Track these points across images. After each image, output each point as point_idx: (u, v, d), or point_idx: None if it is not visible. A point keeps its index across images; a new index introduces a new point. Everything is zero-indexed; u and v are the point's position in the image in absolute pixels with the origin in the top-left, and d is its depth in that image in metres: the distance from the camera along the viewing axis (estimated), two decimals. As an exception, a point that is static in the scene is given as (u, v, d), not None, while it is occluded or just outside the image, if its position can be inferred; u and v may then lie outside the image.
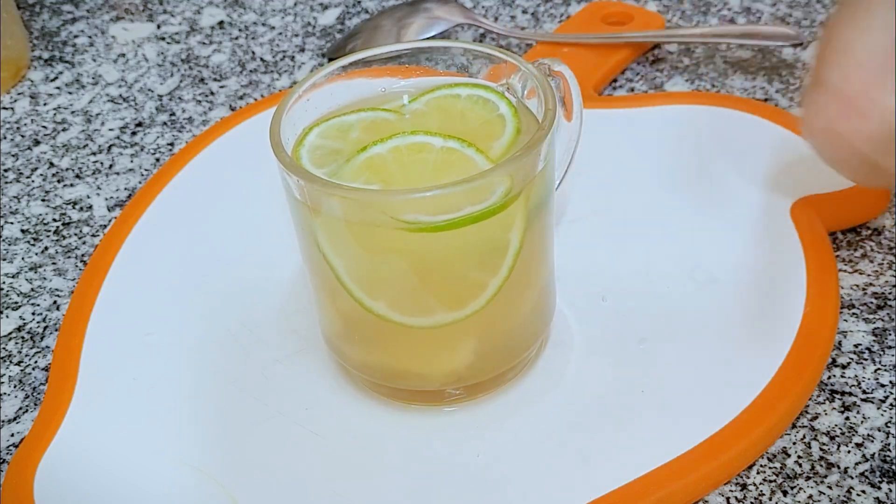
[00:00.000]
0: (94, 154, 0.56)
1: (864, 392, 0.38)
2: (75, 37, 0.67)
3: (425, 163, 0.33)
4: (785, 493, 0.35)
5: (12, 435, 0.39)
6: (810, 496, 0.35)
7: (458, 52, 0.37)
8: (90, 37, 0.67)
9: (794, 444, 0.36)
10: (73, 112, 0.59)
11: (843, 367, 0.39)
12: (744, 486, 0.35)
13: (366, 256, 0.33)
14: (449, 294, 0.34)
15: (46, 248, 0.49)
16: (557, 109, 0.37)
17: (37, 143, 0.57)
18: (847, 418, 0.37)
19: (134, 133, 0.57)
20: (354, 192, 0.31)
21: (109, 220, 0.51)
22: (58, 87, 0.62)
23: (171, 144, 0.56)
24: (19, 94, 0.61)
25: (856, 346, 0.40)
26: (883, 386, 0.38)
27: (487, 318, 0.35)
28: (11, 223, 0.51)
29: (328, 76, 0.36)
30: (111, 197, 0.52)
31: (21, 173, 0.55)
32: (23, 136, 0.58)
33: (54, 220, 0.51)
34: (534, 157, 0.32)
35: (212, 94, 0.60)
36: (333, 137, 0.35)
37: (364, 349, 0.37)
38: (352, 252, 0.33)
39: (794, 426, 0.37)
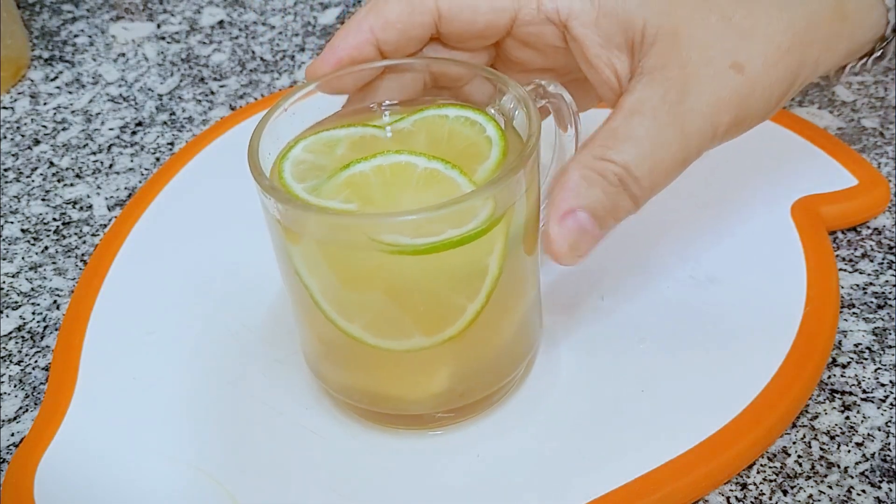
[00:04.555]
0: (94, 154, 0.56)
1: (864, 391, 0.38)
2: (75, 36, 0.67)
3: (407, 183, 0.32)
4: (785, 493, 0.35)
5: (12, 435, 0.39)
6: (810, 496, 0.35)
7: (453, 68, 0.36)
8: (90, 36, 0.67)
9: (795, 443, 0.36)
10: (73, 112, 0.59)
11: (844, 366, 0.39)
12: (744, 486, 0.35)
13: (341, 277, 0.33)
14: (425, 318, 0.33)
15: (46, 248, 0.49)
16: (554, 125, 0.37)
17: (37, 142, 0.57)
18: (847, 418, 0.37)
19: (134, 133, 0.57)
20: (333, 215, 0.31)
21: (109, 220, 0.51)
22: (58, 87, 0.62)
23: (171, 144, 0.56)
24: (19, 93, 0.61)
25: (856, 345, 0.40)
26: (883, 385, 0.38)
27: (465, 344, 0.34)
28: (11, 223, 0.51)
29: (308, 92, 0.35)
30: (111, 196, 0.52)
31: (21, 173, 0.55)
32: (23, 136, 0.58)
33: (54, 219, 0.51)
34: (514, 183, 0.31)
35: (212, 93, 0.60)
36: (319, 152, 0.34)
37: (342, 371, 0.36)
38: (327, 272, 0.33)
39: (794, 426, 0.37)
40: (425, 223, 0.30)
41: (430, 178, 0.32)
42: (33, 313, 0.45)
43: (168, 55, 0.64)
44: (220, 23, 0.67)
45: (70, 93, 0.61)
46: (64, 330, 0.42)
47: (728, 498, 0.35)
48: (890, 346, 0.40)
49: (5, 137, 0.58)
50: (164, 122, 0.58)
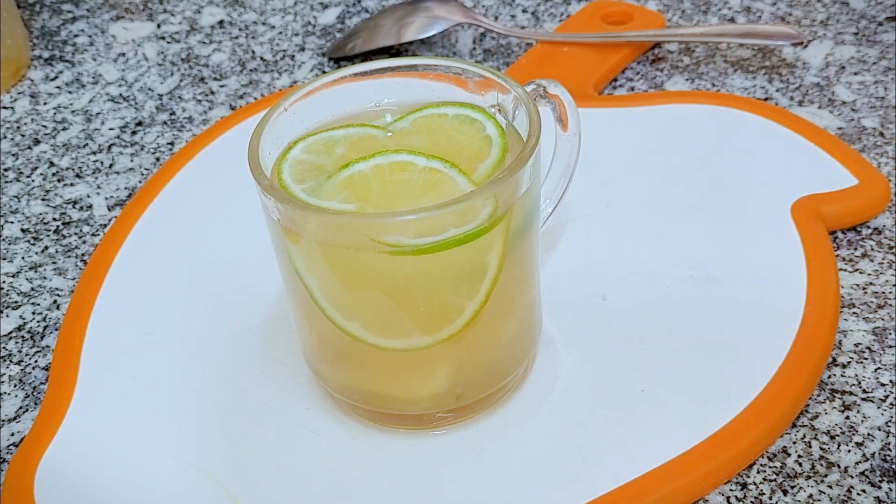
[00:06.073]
0: (94, 153, 0.56)
1: (864, 391, 0.38)
2: (75, 36, 0.67)
3: (406, 183, 0.32)
4: (785, 493, 0.35)
5: (12, 434, 0.39)
6: (810, 495, 0.35)
7: (453, 70, 0.36)
8: (90, 36, 0.67)
9: (795, 443, 0.36)
10: (73, 111, 0.59)
11: (844, 366, 0.39)
12: (744, 486, 0.35)
13: (341, 276, 0.33)
14: (424, 317, 0.33)
15: (46, 248, 0.49)
16: (554, 124, 0.36)
17: (37, 142, 0.57)
18: (847, 417, 0.37)
19: (134, 132, 0.57)
20: (334, 215, 0.31)
21: (109, 220, 0.51)
22: (58, 87, 0.62)
23: (172, 144, 0.56)
24: (19, 93, 0.61)
25: (856, 345, 0.40)
26: (883, 385, 0.38)
27: (465, 343, 0.34)
28: (11, 223, 0.51)
29: (308, 92, 0.35)
30: (111, 196, 0.52)
31: (21, 173, 0.55)
32: (23, 136, 0.58)
33: (54, 219, 0.51)
34: (514, 182, 0.31)
35: (212, 93, 0.60)
36: (318, 153, 0.34)
37: (342, 371, 0.36)
38: (327, 272, 0.33)
39: (794, 425, 0.37)
40: (426, 223, 0.30)
41: (429, 177, 0.32)
42: (33, 313, 0.45)
43: (168, 55, 0.64)
44: (220, 23, 0.67)
45: (70, 93, 0.61)
46: (64, 330, 0.42)
47: (728, 498, 0.35)
48: (890, 346, 0.40)
49: (5, 137, 0.58)
50: (164, 122, 0.58)
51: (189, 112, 0.58)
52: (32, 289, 0.47)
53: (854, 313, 0.41)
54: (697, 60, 0.58)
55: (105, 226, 0.50)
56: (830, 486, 0.35)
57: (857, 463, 0.35)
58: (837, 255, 0.44)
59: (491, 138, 0.34)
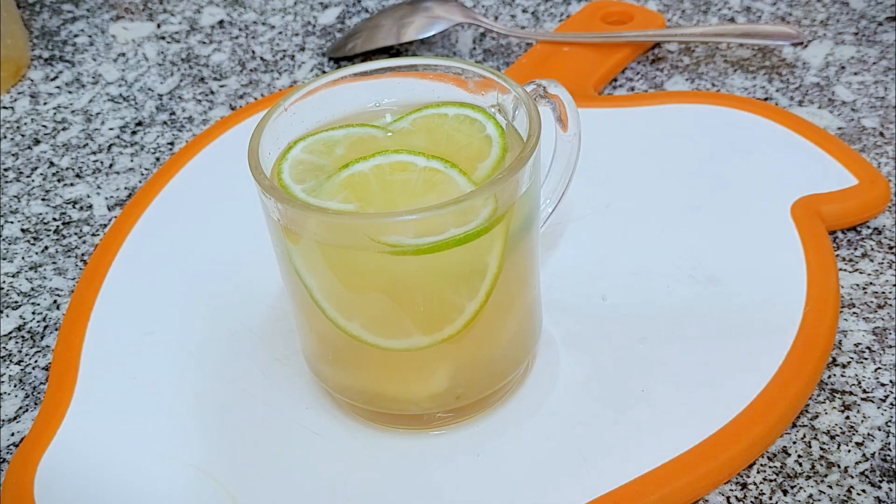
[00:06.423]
0: (94, 153, 0.56)
1: (864, 391, 0.38)
2: (75, 36, 0.67)
3: (406, 183, 0.32)
4: (785, 493, 0.35)
5: (12, 434, 0.40)
6: (810, 495, 0.35)
7: (453, 70, 0.36)
8: (90, 36, 0.67)
9: (795, 443, 0.36)
10: (73, 111, 0.59)
11: (844, 366, 0.39)
12: (744, 486, 0.35)
13: (341, 276, 0.33)
14: (424, 317, 0.33)
15: (46, 248, 0.49)
16: (554, 124, 0.36)
17: (37, 142, 0.57)
18: (847, 417, 0.37)
19: (134, 132, 0.57)
20: (334, 215, 0.31)
21: (109, 220, 0.51)
22: (58, 87, 0.62)
23: (172, 144, 0.56)
24: (19, 93, 0.61)
25: (856, 345, 0.40)
26: (883, 385, 0.38)
27: (465, 343, 0.34)
28: (11, 222, 0.51)
29: (308, 92, 0.36)
30: (111, 196, 0.52)
31: (21, 173, 0.55)
32: (23, 136, 0.58)
33: (54, 219, 0.51)
34: (514, 182, 0.31)
35: (212, 93, 0.60)
36: (318, 153, 0.34)
37: (342, 371, 0.36)
38: (327, 272, 0.33)
39: (794, 425, 0.37)
40: (426, 223, 0.30)
41: (429, 177, 0.32)
42: (33, 313, 0.45)
43: (168, 55, 0.64)
44: (220, 23, 0.67)
45: (70, 93, 0.61)
46: (64, 330, 0.42)
47: (728, 498, 0.35)
48: (890, 346, 0.40)
49: (5, 137, 0.58)
50: (164, 122, 0.58)
51: (189, 112, 0.58)
52: (32, 289, 0.47)
53: (854, 313, 0.41)
54: (697, 60, 0.58)
55: (105, 226, 0.50)
56: (830, 486, 0.35)
57: (857, 463, 0.35)
58: (837, 255, 0.44)
59: (491, 138, 0.34)
